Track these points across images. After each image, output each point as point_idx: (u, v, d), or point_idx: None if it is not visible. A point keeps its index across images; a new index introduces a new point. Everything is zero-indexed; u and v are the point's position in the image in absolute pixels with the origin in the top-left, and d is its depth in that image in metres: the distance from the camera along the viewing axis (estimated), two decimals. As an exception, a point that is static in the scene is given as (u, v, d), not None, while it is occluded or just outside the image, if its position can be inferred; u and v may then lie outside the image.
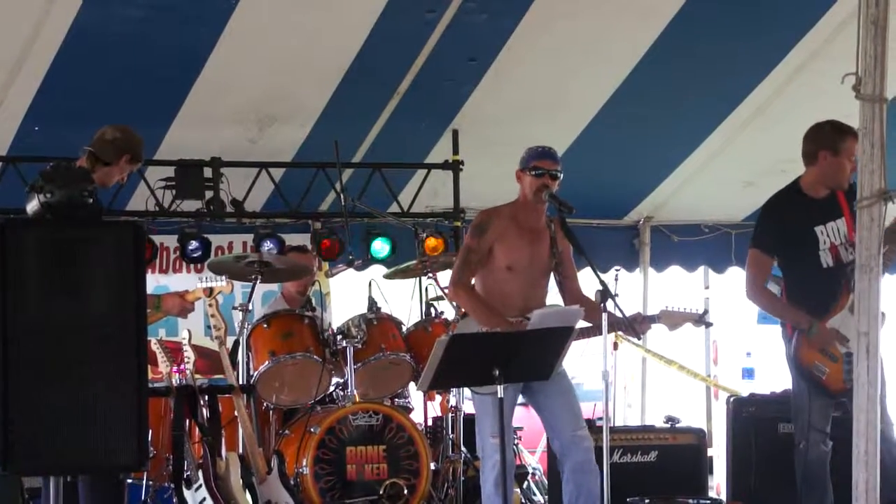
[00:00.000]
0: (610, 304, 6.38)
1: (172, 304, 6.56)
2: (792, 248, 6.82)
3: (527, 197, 6.63)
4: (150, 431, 6.92)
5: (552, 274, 6.74)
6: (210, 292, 6.83)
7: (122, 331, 4.59)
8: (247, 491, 6.73)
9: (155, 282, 9.63)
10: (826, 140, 6.70)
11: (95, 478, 5.73)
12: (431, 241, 9.51)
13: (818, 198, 6.76)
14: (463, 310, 6.78)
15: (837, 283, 6.64)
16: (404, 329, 8.22)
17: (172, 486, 6.92)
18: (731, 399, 8.17)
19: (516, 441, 8.38)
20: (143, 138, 6.48)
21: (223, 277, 7.00)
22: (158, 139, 9.03)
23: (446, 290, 8.36)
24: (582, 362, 10.51)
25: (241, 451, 7.08)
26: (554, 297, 6.84)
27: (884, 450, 5.49)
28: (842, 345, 6.59)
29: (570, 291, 6.76)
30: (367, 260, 9.73)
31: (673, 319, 6.84)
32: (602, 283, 6.38)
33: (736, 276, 11.31)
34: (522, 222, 6.67)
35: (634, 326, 6.64)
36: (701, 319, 6.91)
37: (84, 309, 4.56)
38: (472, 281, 6.71)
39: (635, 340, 9.66)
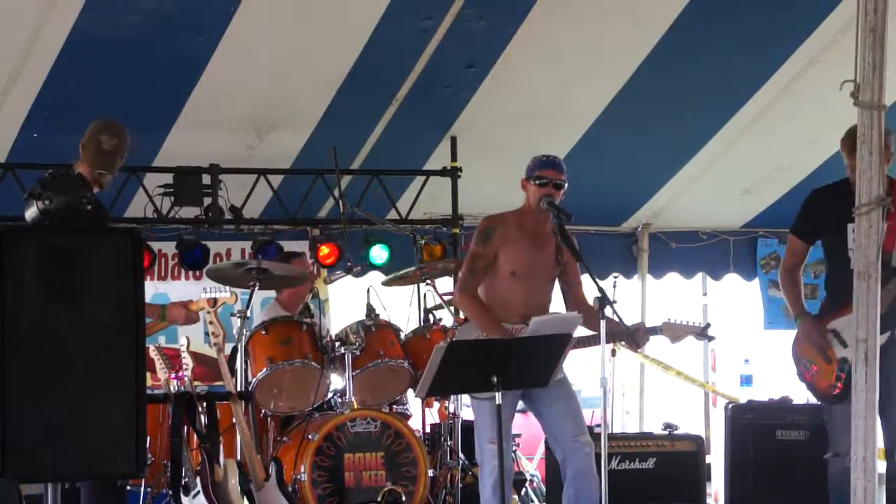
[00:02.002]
0: (608, 312, 6.38)
1: (177, 314, 6.57)
2: (826, 239, 6.82)
3: (531, 206, 6.64)
4: (149, 438, 6.91)
5: (557, 281, 6.75)
6: (214, 303, 6.83)
7: (121, 337, 4.58)
8: (245, 498, 6.73)
9: (154, 289, 9.63)
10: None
11: (95, 484, 5.73)
12: (430, 248, 9.50)
13: None
14: (464, 315, 6.78)
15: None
16: (402, 336, 8.21)
17: (170, 492, 6.91)
18: (730, 406, 8.18)
19: (514, 448, 8.38)
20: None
21: (227, 288, 7.00)
22: (157, 146, 9.04)
23: (446, 297, 8.41)
24: (580, 369, 10.52)
25: (239, 457, 7.08)
26: (558, 304, 6.85)
27: None
28: (837, 348, 6.61)
29: (574, 299, 6.76)
30: (366, 266, 9.72)
31: (675, 332, 6.83)
32: (600, 289, 6.38)
33: (734, 283, 11.33)
34: (527, 229, 6.68)
35: (635, 337, 6.64)
36: (703, 333, 6.90)
37: (82, 316, 4.56)
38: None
39: (633, 347, 9.66)
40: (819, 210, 6.83)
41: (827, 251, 6.86)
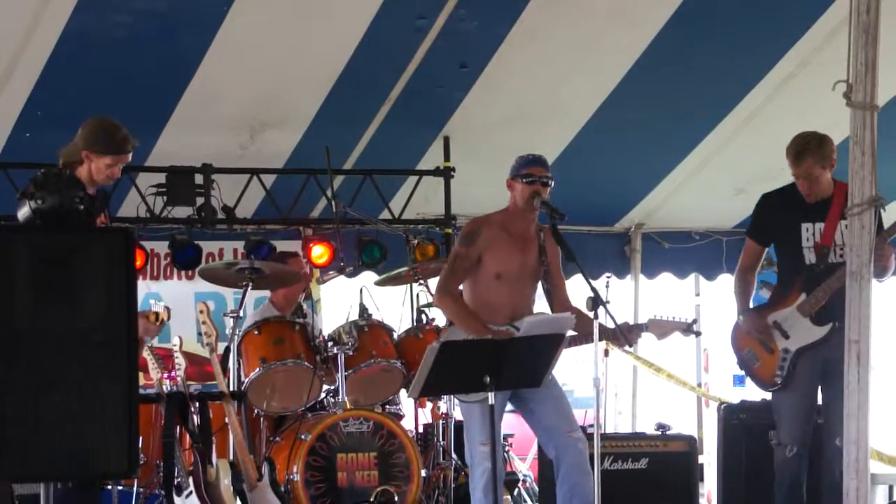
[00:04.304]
0: (601, 312, 6.38)
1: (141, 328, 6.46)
2: (779, 241, 6.95)
3: (517, 205, 6.63)
4: (141, 438, 6.91)
5: (540, 282, 6.74)
6: (157, 317, 6.71)
7: (113, 337, 4.57)
8: (237, 498, 6.72)
9: (146, 288, 9.62)
10: None
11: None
12: (422, 248, 9.50)
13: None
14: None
15: (814, 282, 6.72)
16: (395, 336, 8.21)
17: (163, 492, 6.90)
18: (722, 406, 8.17)
19: (507, 448, 8.38)
20: (110, 124, 6.19)
21: (162, 304, 6.90)
22: (149, 146, 9.02)
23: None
24: (573, 369, 10.52)
25: (231, 457, 7.07)
26: (541, 304, 6.84)
27: None
28: (779, 339, 6.77)
29: (558, 300, 6.76)
30: (358, 266, 9.72)
31: (661, 328, 6.84)
32: (593, 289, 6.38)
33: (727, 284, 11.30)
34: (512, 230, 6.67)
35: (622, 336, 6.63)
36: (689, 328, 6.92)
37: (75, 315, 4.54)
38: (460, 288, 6.70)
39: (626, 348, 9.66)
40: (771, 213, 6.98)
41: (779, 252, 7.01)
